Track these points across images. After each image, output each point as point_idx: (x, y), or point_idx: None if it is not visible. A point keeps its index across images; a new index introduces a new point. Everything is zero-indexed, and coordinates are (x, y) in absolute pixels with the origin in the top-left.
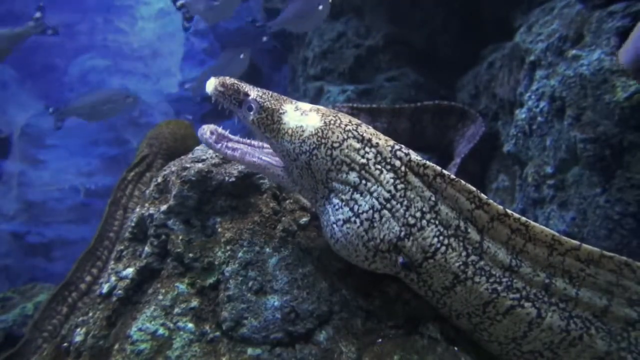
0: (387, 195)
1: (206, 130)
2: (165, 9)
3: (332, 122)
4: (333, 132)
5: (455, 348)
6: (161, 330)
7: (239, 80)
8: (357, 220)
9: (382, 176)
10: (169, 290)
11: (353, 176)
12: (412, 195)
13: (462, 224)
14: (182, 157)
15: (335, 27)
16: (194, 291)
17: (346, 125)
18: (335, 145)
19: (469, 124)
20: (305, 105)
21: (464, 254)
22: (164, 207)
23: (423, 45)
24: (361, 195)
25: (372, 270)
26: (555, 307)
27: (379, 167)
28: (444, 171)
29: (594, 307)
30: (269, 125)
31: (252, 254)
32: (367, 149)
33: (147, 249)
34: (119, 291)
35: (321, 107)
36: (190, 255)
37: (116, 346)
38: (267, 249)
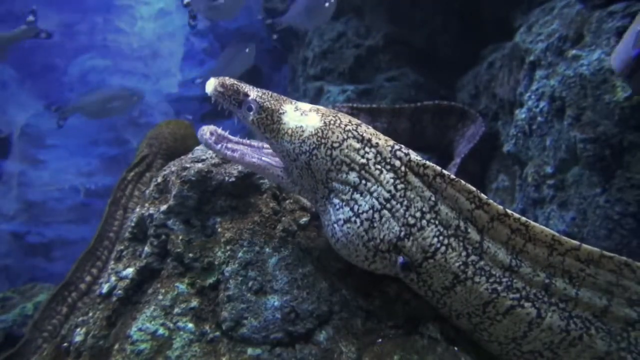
0: (387, 195)
1: (206, 131)
2: (165, 9)
3: (332, 122)
4: (333, 132)
5: (455, 348)
6: (161, 330)
7: (239, 80)
8: (358, 220)
9: (382, 176)
10: (169, 290)
11: (353, 176)
12: (412, 195)
13: (462, 224)
14: (182, 157)
15: (335, 27)
16: (194, 291)
17: (346, 125)
18: (335, 145)
19: (469, 124)
20: (305, 106)
21: (464, 254)
22: (164, 207)
23: (423, 45)
24: (361, 195)
25: (372, 271)
26: (555, 307)
27: (379, 167)
28: (444, 171)
29: (594, 307)
30: (268, 126)
31: (252, 254)
32: (367, 149)
33: (147, 249)
34: (119, 291)
35: (321, 107)
36: (190, 255)
37: (116, 346)
38: (267, 249)
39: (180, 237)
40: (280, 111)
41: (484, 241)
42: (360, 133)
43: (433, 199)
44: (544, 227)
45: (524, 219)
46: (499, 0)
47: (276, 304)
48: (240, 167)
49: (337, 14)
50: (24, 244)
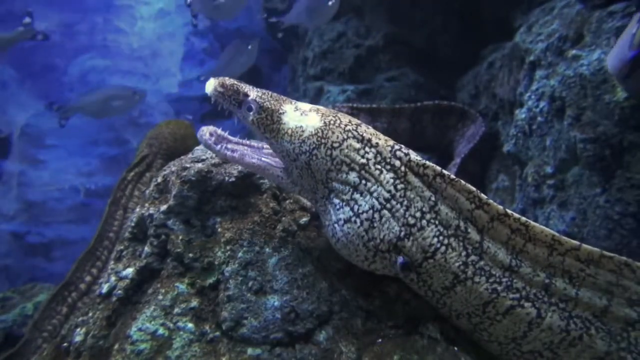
0: (387, 195)
1: (205, 132)
2: (165, 9)
3: (332, 122)
4: (333, 132)
5: (455, 348)
6: (161, 330)
7: (239, 80)
8: (358, 220)
9: (382, 176)
10: (169, 290)
11: (353, 176)
12: (412, 195)
13: (462, 224)
14: (182, 157)
15: (335, 27)
16: (194, 291)
17: (346, 125)
18: (335, 145)
19: (469, 124)
20: (304, 106)
21: (463, 253)
22: (164, 207)
23: (423, 45)
24: (361, 195)
25: (372, 271)
26: (555, 307)
27: (379, 167)
28: (444, 171)
29: (593, 307)
30: (268, 126)
31: (252, 254)
32: (367, 149)
33: (147, 249)
34: (119, 291)
35: (321, 107)
36: (190, 255)
37: (116, 346)
38: (267, 249)
39: (180, 237)
40: (280, 111)
41: (484, 241)
42: (360, 133)
43: (433, 199)
44: (544, 227)
45: (524, 219)
46: (499, 0)
47: (276, 304)
48: (240, 167)
49: (337, 14)
50: (24, 244)
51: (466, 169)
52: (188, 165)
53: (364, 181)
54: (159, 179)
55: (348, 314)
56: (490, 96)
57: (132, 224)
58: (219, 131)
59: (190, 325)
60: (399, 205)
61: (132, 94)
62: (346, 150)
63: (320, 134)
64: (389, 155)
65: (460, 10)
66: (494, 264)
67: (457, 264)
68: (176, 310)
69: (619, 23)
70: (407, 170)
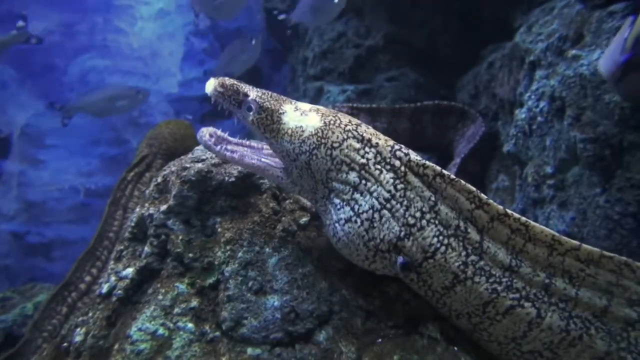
0: (386, 195)
1: (205, 132)
2: (165, 9)
3: (332, 122)
4: (333, 132)
5: (455, 348)
6: (161, 330)
7: (239, 80)
8: (358, 220)
9: (382, 176)
10: (169, 290)
11: (353, 176)
12: (411, 195)
13: (462, 223)
14: (182, 157)
15: (335, 27)
16: (193, 291)
17: (346, 125)
18: (335, 145)
19: (469, 124)
20: (304, 106)
21: (463, 253)
22: (163, 207)
23: (423, 45)
24: (361, 195)
25: (372, 271)
26: (555, 307)
27: (379, 167)
28: (444, 171)
29: (593, 307)
30: (268, 126)
31: (252, 254)
32: (366, 149)
33: (146, 249)
34: (119, 291)
35: (321, 107)
36: (190, 255)
37: (116, 346)
38: (267, 249)
39: (180, 237)
40: (280, 111)
41: (483, 241)
42: (360, 133)
43: (433, 199)
44: (544, 227)
45: (524, 219)
46: (499, 0)
47: (276, 304)
48: (240, 167)
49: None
50: (24, 244)
51: (466, 169)
52: (188, 165)
53: (364, 181)
54: (159, 179)
55: (348, 314)
56: (490, 96)
57: (132, 224)
58: (219, 132)
59: (190, 325)
60: (398, 205)
61: (136, 93)
62: (346, 150)
63: (320, 134)
64: (389, 155)
65: (460, 10)
66: (494, 264)
67: (457, 264)
68: (176, 310)
69: (619, 23)
70: (407, 170)
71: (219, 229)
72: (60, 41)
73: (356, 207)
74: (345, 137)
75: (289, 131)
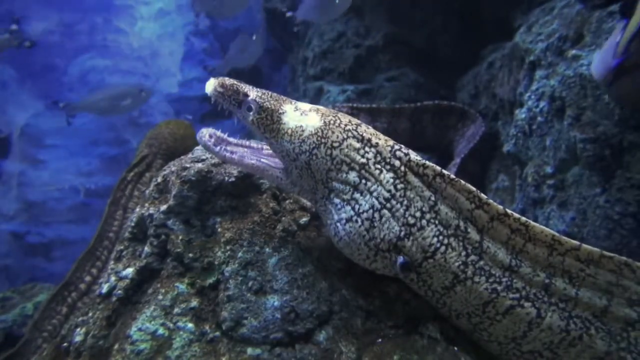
0: (386, 195)
1: (205, 133)
2: (165, 9)
3: (332, 121)
4: (333, 132)
5: (455, 348)
6: (161, 330)
7: (238, 80)
8: (359, 220)
9: (382, 176)
10: (169, 290)
11: (353, 176)
12: (411, 195)
13: (462, 223)
14: (182, 157)
15: (335, 27)
16: (193, 291)
17: (346, 125)
18: (335, 145)
19: (469, 124)
20: (304, 105)
21: (463, 253)
22: (163, 207)
23: (423, 45)
24: (361, 195)
25: (373, 270)
26: (555, 307)
27: (379, 166)
28: (444, 171)
29: (593, 307)
30: (268, 126)
31: (252, 254)
32: (366, 148)
33: (146, 249)
34: (119, 291)
35: (321, 107)
36: (190, 255)
37: (116, 346)
38: (267, 249)
39: (180, 237)
40: (280, 111)
41: (483, 241)
42: (360, 133)
43: (433, 198)
44: (544, 227)
45: (523, 218)
46: (499, 0)
47: (276, 304)
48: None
49: None
50: (24, 244)
51: (466, 169)
52: (188, 165)
53: (364, 181)
54: (159, 179)
55: (348, 314)
56: (490, 96)
57: (132, 224)
58: (219, 133)
59: (190, 325)
60: (398, 205)
61: (139, 91)
62: (346, 150)
63: (320, 134)
64: (389, 155)
65: (460, 10)
66: (494, 263)
67: (456, 264)
68: (176, 310)
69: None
70: (406, 170)
71: (219, 229)
72: (60, 41)
73: (357, 206)
74: (345, 136)
75: (289, 131)
